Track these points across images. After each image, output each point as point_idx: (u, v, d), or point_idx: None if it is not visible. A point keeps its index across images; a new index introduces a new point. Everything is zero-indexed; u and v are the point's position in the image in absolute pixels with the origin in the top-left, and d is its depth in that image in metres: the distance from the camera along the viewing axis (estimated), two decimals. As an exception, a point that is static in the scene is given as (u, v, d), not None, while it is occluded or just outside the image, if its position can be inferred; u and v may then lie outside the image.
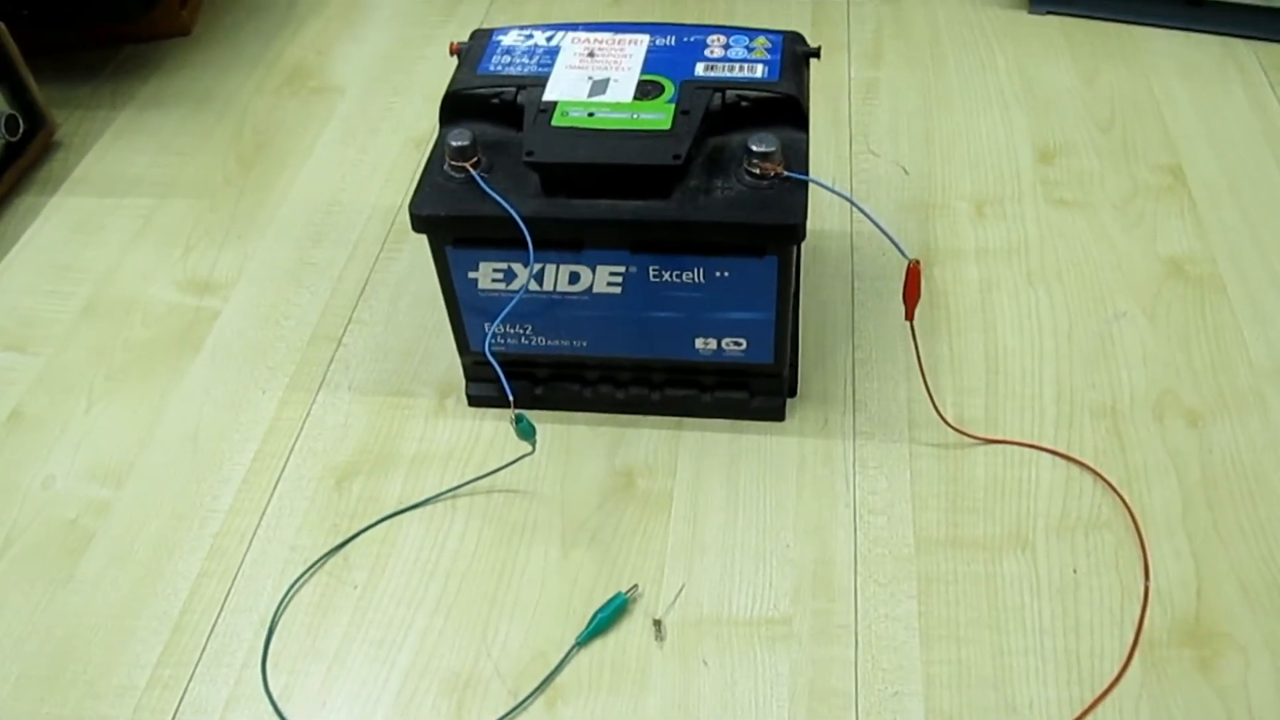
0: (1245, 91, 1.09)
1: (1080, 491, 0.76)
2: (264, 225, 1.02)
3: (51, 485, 0.81)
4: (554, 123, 0.71)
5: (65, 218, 1.04)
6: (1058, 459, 0.78)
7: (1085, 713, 0.65)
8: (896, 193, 1.01)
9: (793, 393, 0.83)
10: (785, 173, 0.70)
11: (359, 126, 1.13)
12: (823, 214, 0.98)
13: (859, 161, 1.04)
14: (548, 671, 0.68)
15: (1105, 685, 0.66)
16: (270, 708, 0.68)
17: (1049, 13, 1.22)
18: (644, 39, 0.77)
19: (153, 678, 0.69)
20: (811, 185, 0.71)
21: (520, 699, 0.67)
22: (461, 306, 0.77)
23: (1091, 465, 0.77)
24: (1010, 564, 0.72)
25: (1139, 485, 0.76)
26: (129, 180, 1.08)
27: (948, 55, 1.17)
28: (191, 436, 0.84)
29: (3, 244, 1.01)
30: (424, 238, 0.73)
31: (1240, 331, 0.86)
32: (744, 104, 0.73)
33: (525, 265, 0.73)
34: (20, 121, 1.06)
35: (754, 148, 0.69)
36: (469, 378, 0.84)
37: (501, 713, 0.67)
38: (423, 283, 0.94)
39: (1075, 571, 0.72)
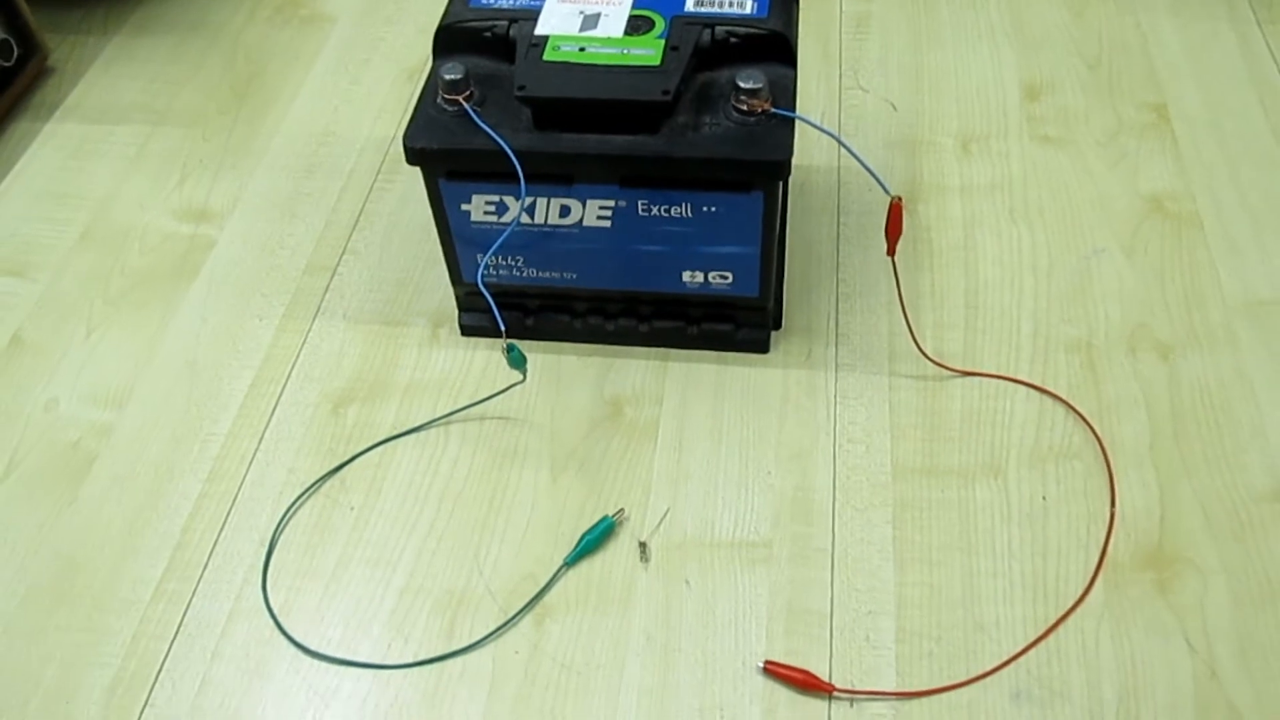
0: (1233, 29, 1.10)
1: (1053, 423, 0.79)
2: (258, 155, 1.03)
3: (54, 408, 0.83)
4: (545, 57, 0.72)
5: (60, 145, 1.05)
6: (1032, 391, 0.81)
7: (1049, 631, 0.68)
8: (884, 129, 1.02)
9: (777, 325, 0.85)
10: (772, 109, 0.71)
11: (351, 57, 1.13)
12: (810, 150, 0.99)
13: (848, 97, 1.05)
14: (537, 590, 0.71)
15: (1069, 605, 0.69)
16: (271, 621, 0.71)
17: (1042, -53, 1.21)
18: (635, -27, 0.78)
19: (157, 592, 0.72)
20: (799, 122, 0.72)
21: (510, 616, 0.70)
22: (454, 238, 0.79)
23: (1064, 398, 0.80)
24: (983, 491, 0.75)
25: (1110, 417, 0.79)
26: (122, 108, 1.08)
27: (940, -11, 1.17)
28: (190, 362, 0.86)
29: (-1, 171, 1.03)
30: (417, 170, 0.75)
31: (1215, 267, 0.88)
32: (733, 40, 0.74)
33: (517, 198, 0.74)
34: (14, 46, 1.06)
35: (742, 84, 0.70)
36: (461, 308, 0.86)
37: (492, 628, 0.70)
38: (416, 214, 0.96)
39: (1045, 499, 0.75)
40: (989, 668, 0.67)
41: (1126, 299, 0.86)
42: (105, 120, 1.07)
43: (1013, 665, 0.67)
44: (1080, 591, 0.70)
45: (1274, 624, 0.68)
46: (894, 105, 1.04)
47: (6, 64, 1.05)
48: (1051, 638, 0.68)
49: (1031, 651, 0.68)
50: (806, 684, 0.66)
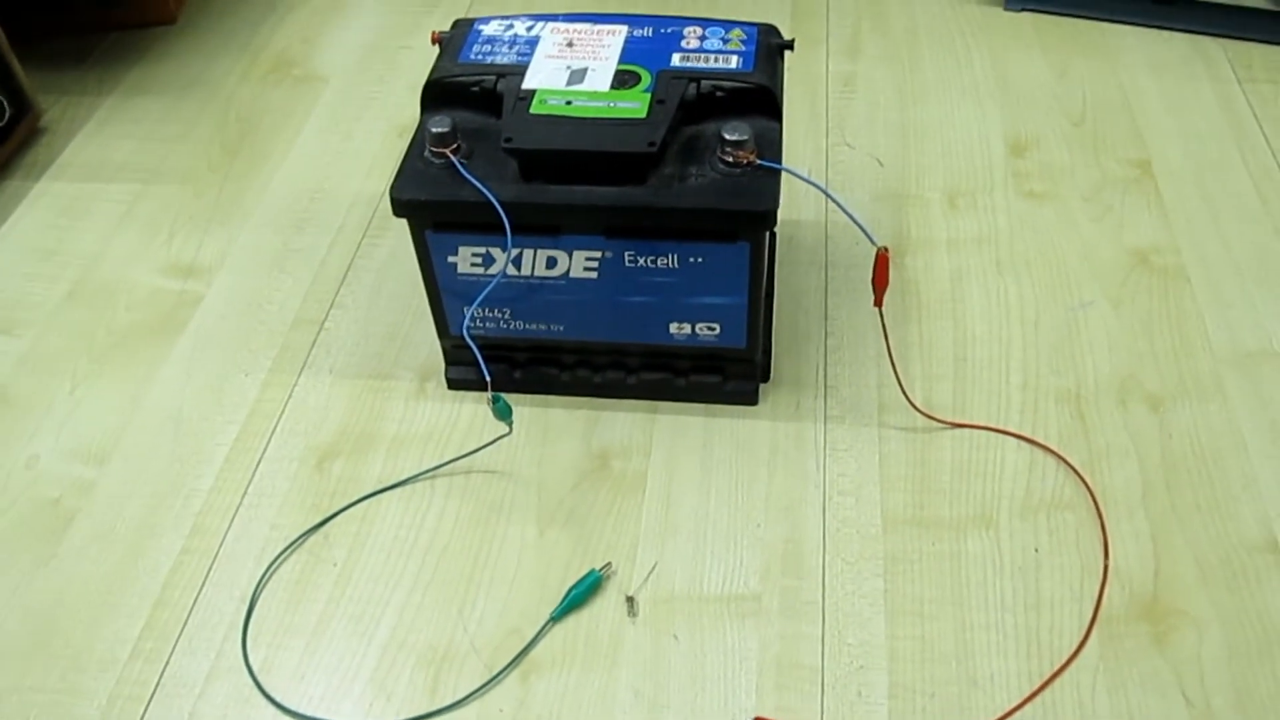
0: (1213, 87, 1.11)
1: (1044, 474, 0.78)
2: (247, 212, 1.03)
3: (35, 464, 0.82)
4: (532, 110, 0.73)
5: (50, 203, 1.05)
6: (1022, 443, 0.80)
7: (1044, 685, 0.67)
8: (871, 184, 1.02)
9: (766, 377, 0.85)
10: (758, 161, 0.72)
11: (343, 115, 1.14)
12: (798, 204, 1.00)
13: (835, 153, 1.06)
14: (522, 646, 0.70)
15: (1064, 659, 0.68)
16: (250, 680, 0.69)
17: (1024, 9, 1.24)
18: (622, 30, 0.79)
19: (135, 651, 0.71)
20: (785, 174, 0.72)
21: (495, 673, 0.69)
22: (441, 290, 0.78)
23: (1055, 449, 0.79)
24: (974, 543, 0.74)
25: (1101, 468, 0.78)
26: (114, 166, 1.09)
27: (924, 50, 1.19)
28: (174, 418, 0.85)
29: (-12, 228, 1.03)
30: (406, 224, 0.75)
31: (1202, 319, 0.88)
32: (719, 94, 0.74)
33: (503, 250, 0.74)
34: (6, 106, 1.07)
35: (727, 136, 0.71)
36: (448, 361, 0.85)
37: (477, 686, 0.68)
38: (404, 269, 0.96)
39: (1037, 551, 0.74)
40: (984, 723, 0.66)
41: (1115, 350, 0.86)
42: (96, 179, 1.08)
43: (1008, 721, 0.66)
44: (1075, 645, 0.69)
45: (1271, 675, 0.67)
46: (880, 161, 1.05)
47: (-1, 123, 1.06)
48: (1046, 692, 0.67)
49: (1027, 706, 0.66)
50: (798, 741, 0.65)
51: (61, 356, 0.90)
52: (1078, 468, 0.78)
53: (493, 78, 0.76)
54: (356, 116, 1.14)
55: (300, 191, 1.05)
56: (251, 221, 1.02)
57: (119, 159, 1.10)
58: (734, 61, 0.76)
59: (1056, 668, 0.68)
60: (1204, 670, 0.67)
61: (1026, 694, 0.67)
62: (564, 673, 0.69)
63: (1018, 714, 0.66)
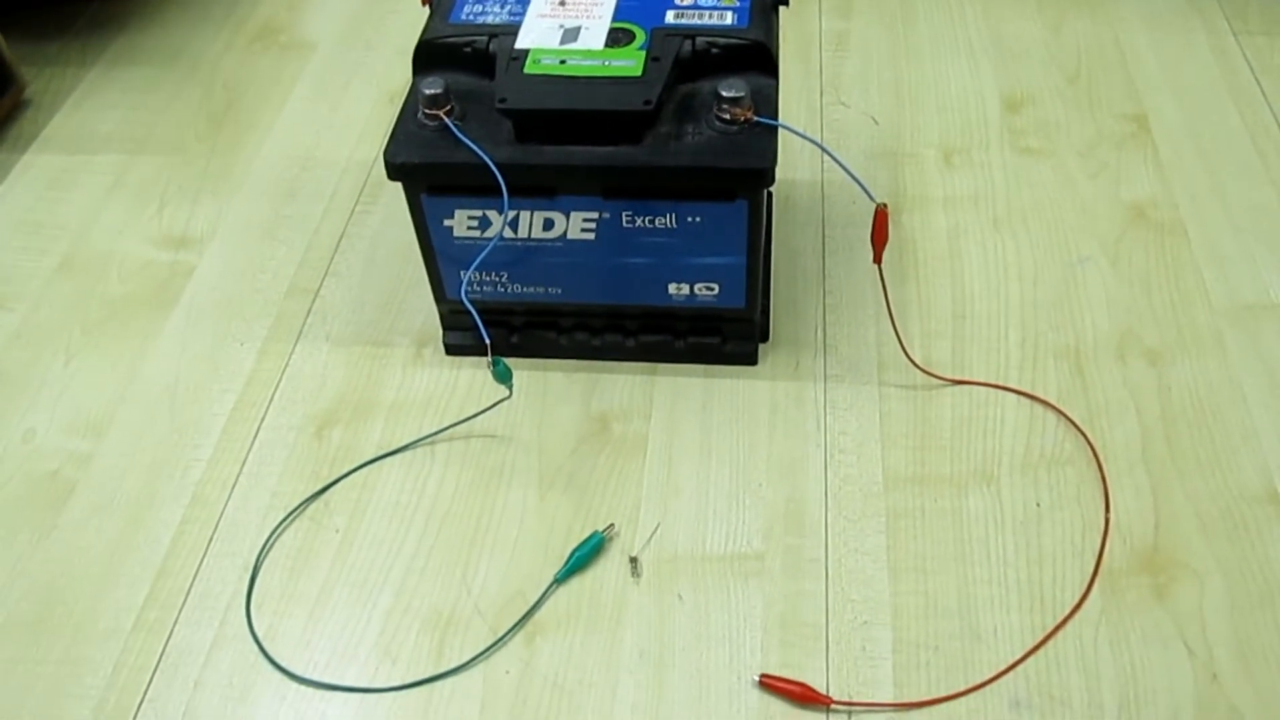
0: (1208, 40, 1.11)
1: (1044, 429, 0.78)
2: (238, 181, 1.02)
3: (32, 439, 0.82)
4: (526, 70, 0.72)
5: (37, 175, 1.04)
6: (1022, 399, 0.80)
7: (1046, 639, 0.67)
8: (866, 142, 1.02)
9: (765, 337, 0.84)
10: (755, 118, 0.71)
11: (331, 82, 1.13)
12: (794, 163, 0.99)
13: (829, 112, 1.06)
14: (527, 608, 0.70)
15: (1066, 612, 0.68)
16: (255, 648, 0.69)
17: (1017, -36, 1.22)
18: (614, -13, 0.78)
19: (138, 621, 0.71)
20: (781, 132, 0.72)
21: (500, 635, 0.69)
22: (437, 254, 0.78)
23: (1055, 404, 0.79)
24: (975, 499, 0.74)
25: (1100, 422, 0.78)
26: (100, 137, 1.08)
27: (917, 7, 1.18)
28: (170, 389, 0.84)
29: (-25, 201, 1.02)
30: (399, 190, 0.74)
31: (1200, 274, 0.88)
32: (714, 51, 0.74)
33: (500, 212, 0.73)
34: (-11, 78, 1.05)
35: (724, 93, 0.70)
36: (446, 326, 0.85)
37: (482, 648, 0.68)
38: (399, 235, 0.95)
39: (1038, 505, 0.74)
40: (987, 677, 0.66)
41: (1113, 306, 0.86)
42: (83, 150, 1.06)
43: (1011, 674, 0.66)
44: (1077, 598, 0.69)
45: (1272, 625, 0.67)
46: (875, 119, 1.04)
47: (-18, 95, 1.04)
48: (1049, 645, 0.67)
49: (1030, 660, 0.67)
50: (804, 697, 0.65)
51: (54, 330, 0.89)
52: (1078, 423, 0.78)
53: (485, 38, 0.75)
54: (345, 83, 1.12)
55: (290, 159, 1.04)
56: (242, 191, 1.01)
57: (105, 130, 1.09)
58: (728, 18, 0.75)
59: (1059, 621, 0.68)
60: (1206, 621, 0.68)
61: (1029, 647, 0.67)
62: (569, 634, 0.69)
63: (1021, 667, 0.66)
